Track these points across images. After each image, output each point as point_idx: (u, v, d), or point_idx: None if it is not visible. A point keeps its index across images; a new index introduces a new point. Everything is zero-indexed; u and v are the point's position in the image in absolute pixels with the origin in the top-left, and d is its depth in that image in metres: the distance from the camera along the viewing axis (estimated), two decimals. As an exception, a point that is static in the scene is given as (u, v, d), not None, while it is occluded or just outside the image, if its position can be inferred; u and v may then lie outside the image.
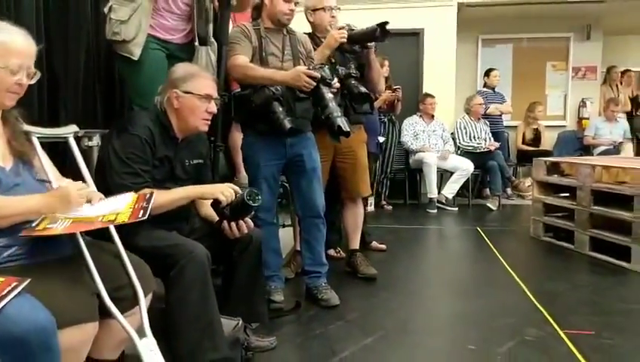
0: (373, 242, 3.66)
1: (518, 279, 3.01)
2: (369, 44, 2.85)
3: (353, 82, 2.72)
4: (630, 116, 6.73)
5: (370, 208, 4.78)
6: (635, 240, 3.15)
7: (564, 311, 2.52)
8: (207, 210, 1.99)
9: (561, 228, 3.78)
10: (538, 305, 2.59)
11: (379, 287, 2.91)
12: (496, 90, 6.39)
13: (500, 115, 6.26)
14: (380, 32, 2.64)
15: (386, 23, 2.62)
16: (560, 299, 2.74)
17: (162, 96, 1.92)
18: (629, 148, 5.93)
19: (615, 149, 5.92)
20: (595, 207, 3.46)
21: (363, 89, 2.72)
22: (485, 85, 6.40)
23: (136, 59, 2.24)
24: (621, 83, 7.34)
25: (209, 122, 1.97)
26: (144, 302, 1.47)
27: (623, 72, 7.47)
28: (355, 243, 3.13)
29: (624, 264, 3.19)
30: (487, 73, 6.40)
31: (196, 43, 2.40)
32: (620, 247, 3.25)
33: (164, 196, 1.77)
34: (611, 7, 6.38)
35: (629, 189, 3.26)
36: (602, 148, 6.01)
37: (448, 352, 2.18)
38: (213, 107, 1.94)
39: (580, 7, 6.38)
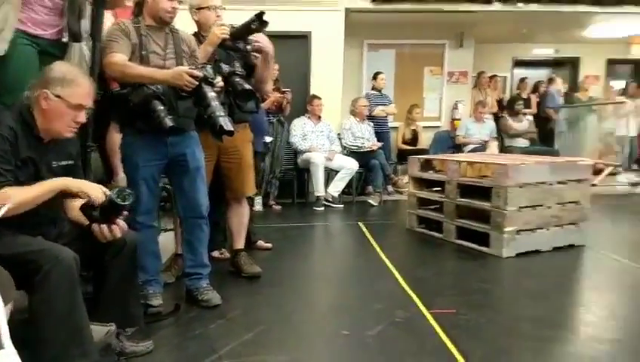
0: (259, 241, 3.72)
1: (392, 267, 3.24)
2: (262, 46, 2.89)
3: (237, 80, 2.72)
4: (496, 117, 7.44)
5: (258, 208, 4.84)
6: (493, 227, 3.53)
7: (431, 294, 2.77)
8: (78, 212, 1.93)
9: (432, 220, 4.13)
10: (408, 290, 2.81)
11: (263, 284, 2.98)
12: (382, 92, 6.76)
13: (386, 117, 6.63)
14: (258, 22, 2.66)
15: (263, 13, 2.65)
16: (428, 283, 3.01)
17: (32, 92, 1.83)
18: (494, 146, 6.55)
19: (483, 147, 6.52)
20: (461, 199, 3.83)
21: (247, 86, 2.73)
22: (373, 88, 6.74)
23: (2, 54, 2.11)
24: (489, 87, 8.12)
25: (75, 130, 1.91)
26: (3, 312, 1.40)
27: (491, 77, 8.27)
28: (240, 243, 3.15)
29: (484, 249, 3.56)
30: (375, 76, 6.75)
31: (64, 39, 2.31)
32: (481, 234, 3.62)
33: (26, 192, 1.70)
34: (481, 17, 7.02)
35: (489, 182, 3.65)
36: (472, 146, 6.57)
37: (325, 339, 2.31)
38: (82, 117, 1.88)
39: (454, 16, 6.94)
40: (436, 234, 4.02)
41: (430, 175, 4.24)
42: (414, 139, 6.93)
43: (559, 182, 3.66)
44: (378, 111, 6.48)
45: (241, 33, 2.79)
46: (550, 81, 8.49)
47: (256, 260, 3.23)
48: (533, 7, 6.68)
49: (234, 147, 2.95)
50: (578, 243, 3.71)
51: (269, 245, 3.73)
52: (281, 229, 4.50)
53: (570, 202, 3.70)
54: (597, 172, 6.69)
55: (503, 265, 3.37)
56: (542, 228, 3.57)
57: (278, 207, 5.40)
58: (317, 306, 2.75)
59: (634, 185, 6.70)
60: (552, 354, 2.11)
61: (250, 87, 2.77)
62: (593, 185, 5.96)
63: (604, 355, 2.12)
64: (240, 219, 3.15)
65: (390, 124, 6.86)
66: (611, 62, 9.79)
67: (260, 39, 2.85)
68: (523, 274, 3.24)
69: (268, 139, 4.47)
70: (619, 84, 9.21)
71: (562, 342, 2.26)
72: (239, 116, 2.89)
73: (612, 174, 7.08)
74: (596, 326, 2.44)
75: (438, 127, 7.59)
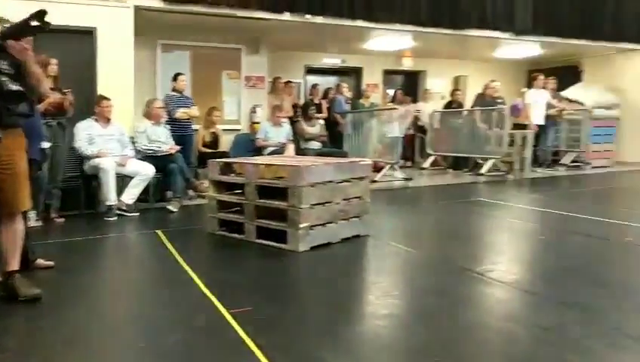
0: (39, 260, 3.27)
1: (192, 273, 3.18)
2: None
3: (4, 79, 2.45)
4: (292, 121, 7.84)
5: (35, 223, 4.29)
6: (289, 225, 3.72)
7: (231, 295, 2.80)
8: None
9: (233, 222, 4.17)
10: (208, 294, 2.79)
11: (45, 307, 2.64)
12: (184, 94, 6.58)
13: (189, 119, 6.46)
14: (38, 21, 2.38)
15: (44, 12, 2.38)
16: (228, 284, 3.04)
17: None
18: (291, 149, 6.90)
19: (281, 149, 6.81)
20: (259, 200, 3.94)
21: (16, 87, 2.46)
22: (174, 89, 6.52)
23: None
24: (284, 92, 8.52)
25: None
26: None
27: (286, 83, 8.70)
28: (14, 264, 2.73)
29: (283, 246, 3.73)
30: (175, 77, 6.53)
31: None
32: (280, 232, 3.78)
33: None
34: (274, 25, 7.33)
35: (285, 183, 3.83)
36: (271, 148, 6.83)
37: (118, 355, 2.17)
38: None
39: (249, 22, 7.11)
40: (238, 236, 4.06)
41: (230, 178, 4.28)
42: (215, 142, 6.91)
43: (344, 181, 4.02)
44: (180, 113, 6.30)
45: (17, 32, 2.48)
46: (338, 88, 9.29)
47: (37, 281, 2.87)
48: (319, 19, 7.24)
49: (5, 155, 2.60)
50: (362, 234, 4.12)
51: (50, 263, 3.31)
52: (67, 244, 4.07)
53: (354, 197, 4.09)
54: (377, 169, 7.56)
55: (300, 259, 3.58)
56: (331, 223, 3.89)
57: (61, 220, 4.81)
58: (110, 322, 2.56)
59: (407, 179, 7.73)
60: (341, 336, 2.31)
61: (21, 88, 2.50)
62: (374, 181, 6.74)
63: (382, 329, 2.41)
64: (13, 237, 2.75)
65: (195, 127, 6.72)
66: (387, 73, 11.18)
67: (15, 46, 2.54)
68: (317, 265, 3.49)
69: (46, 144, 3.98)
70: (400, 92, 10.53)
71: (349, 323, 2.49)
72: (9, 120, 2.58)
73: (390, 171, 8.05)
74: (376, 305, 2.75)
75: (238, 130, 7.72)
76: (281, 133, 7.04)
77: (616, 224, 4.72)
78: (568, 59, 10.90)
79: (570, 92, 10.03)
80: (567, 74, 10.65)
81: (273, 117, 7.14)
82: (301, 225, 3.67)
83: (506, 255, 3.93)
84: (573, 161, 9.75)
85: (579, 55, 10.66)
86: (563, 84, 9.92)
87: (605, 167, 9.82)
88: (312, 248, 3.71)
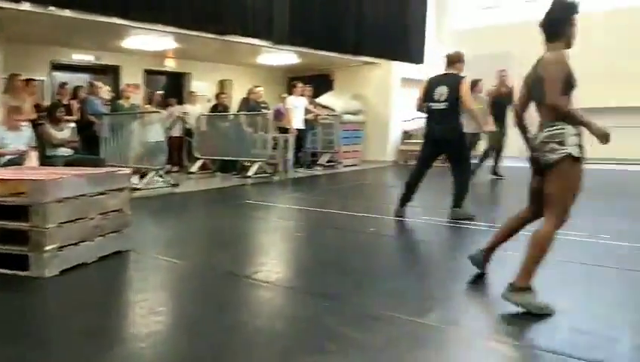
0: None
1: None
2: None
3: None
4: (35, 124, 6.77)
5: None
6: (32, 248, 3.21)
7: (-50, 344, 2.29)
8: None
9: (-46, 250, 3.42)
10: None
11: None
12: None
13: None
14: None
15: None
16: (-54, 331, 2.47)
17: None
18: (34, 157, 6.01)
19: (21, 158, 5.86)
20: (-10, 222, 3.32)
21: None
22: None
23: None
24: (25, 91, 7.37)
25: None
26: None
27: (27, 81, 7.55)
28: None
29: (24, 273, 3.20)
30: None
31: None
32: (20, 257, 3.24)
33: None
34: (13, 14, 6.29)
35: (26, 200, 3.29)
36: (7, 157, 5.84)
37: None
38: None
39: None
40: (-40, 267, 3.35)
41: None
42: None
43: (100, 193, 3.66)
44: None
45: None
46: (91, 87, 8.45)
47: None
48: (67, 12, 6.49)
49: None
50: (124, 249, 3.81)
51: None
52: None
53: (112, 211, 3.76)
54: (141, 175, 7.14)
55: (47, 287, 3.13)
56: (86, 241, 3.49)
57: None
58: None
59: (174, 185, 7.47)
60: None
61: None
62: (136, 189, 6.34)
63: (146, 349, 2.26)
64: None
65: None
66: (149, 73, 10.67)
67: None
68: (69, 291, 3.10)
69: None
70: (158, 94, 10.06)
71: (109, 350, 2.25)
72: None
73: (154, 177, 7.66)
74: (139, 325, 2.58)
75: (-39, 136, 6.39)
76: (20, 139, 6.05)
77: (363, 216, 5.37)
78: (322, 69, 12.05)
79: (323, 99, 11.11)
80: (321, 82, 11.78)
81: (10, 120, 6.11)
82: (47, 248, 3.21)
83: (270, 255, 4.12)
84: (328, 161, 10.81)
85: (330, 65, 11.87)
86: (318, 92, 10.93)
87: (354, 165, 11.16)
88: (63, 272, 3.28)
